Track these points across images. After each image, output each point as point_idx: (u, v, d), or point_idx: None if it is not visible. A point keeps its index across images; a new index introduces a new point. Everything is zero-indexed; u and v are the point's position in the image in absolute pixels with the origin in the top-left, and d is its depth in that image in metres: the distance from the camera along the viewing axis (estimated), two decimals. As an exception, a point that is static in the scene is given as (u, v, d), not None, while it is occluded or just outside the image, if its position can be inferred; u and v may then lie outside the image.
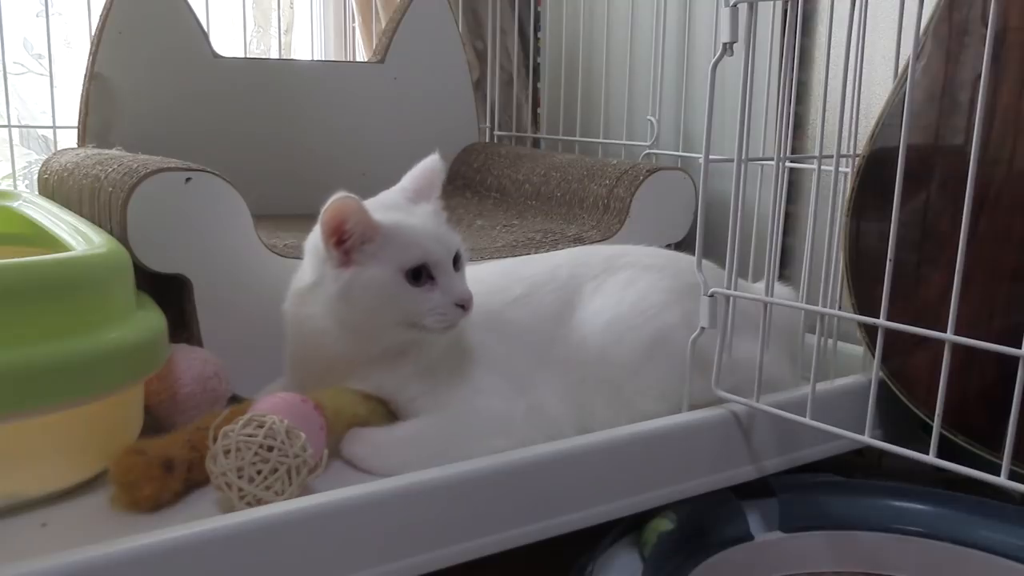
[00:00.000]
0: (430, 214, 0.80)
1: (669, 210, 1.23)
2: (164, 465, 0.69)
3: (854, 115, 0.91)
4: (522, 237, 1.17)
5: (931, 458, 0.70)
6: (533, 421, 0.79)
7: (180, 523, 0.60)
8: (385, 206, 0.80)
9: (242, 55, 1.48)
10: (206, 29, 1.31)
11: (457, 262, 0.78)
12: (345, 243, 0.75)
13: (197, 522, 0.60)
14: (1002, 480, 0.67)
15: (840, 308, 0.94)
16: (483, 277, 0.88)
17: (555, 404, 0.83)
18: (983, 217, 0.83)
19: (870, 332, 0.91)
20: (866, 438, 0.77)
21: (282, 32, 1.86)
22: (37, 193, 1.10)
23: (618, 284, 0.88)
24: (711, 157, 0.84)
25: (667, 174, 1.23)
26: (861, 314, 0.91)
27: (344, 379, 0.79)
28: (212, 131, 1.31)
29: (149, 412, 0.80)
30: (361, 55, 1.74)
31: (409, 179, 0.84)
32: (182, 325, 0.89)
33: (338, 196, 0.73)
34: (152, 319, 0.77)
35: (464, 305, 0.76)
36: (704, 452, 0.84)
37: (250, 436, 0.67)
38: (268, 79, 1.38)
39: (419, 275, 0.75)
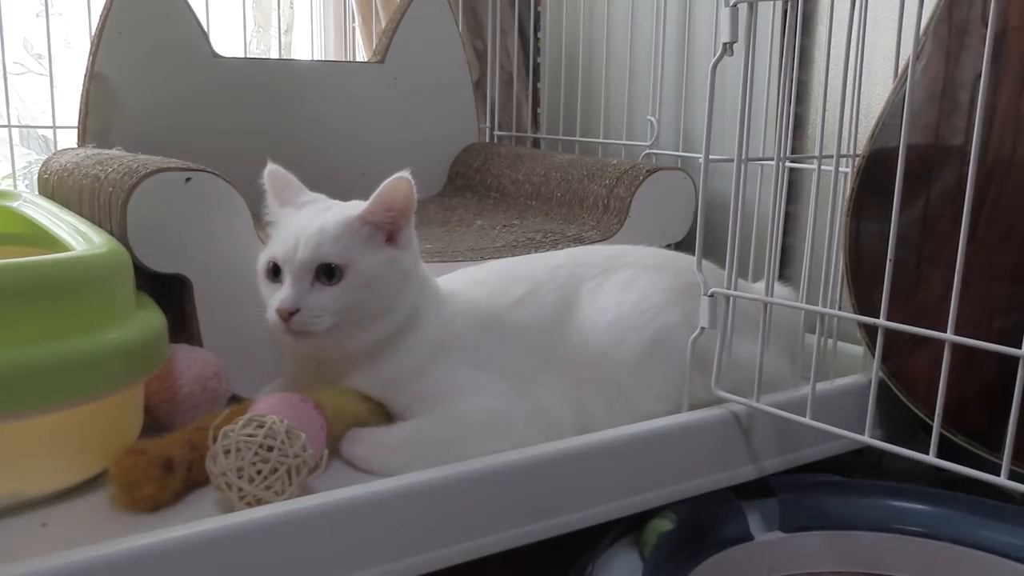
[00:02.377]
0: (325, 222, 0.76)
1: (669, 210, 1.23)
2: (164, 465, 0.69)
3: (854, 115, 0.91)
4: (522, 237, 1.17)
5: (931, 458, 0.70)
6: (534, 422, 0.79)
7: (180, 523, 0.60)
8: (321, 204, 0.81)
9: (242, 55, 1.48)
10: (206, 29, 1.31)
11: (332, 276, 0.75)
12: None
13: (197, 522, 0.60)
14: (1002, 480, 0.67)
15: (840, 308, 0.94)
16: (484, 278, 0.88)
17: (556, 405, 0.83)
18: (983, 217, 0.83)
19: (870, 332, 0.91)
20: (866, 438, 0.76)
21: (282, 32, 1.86)
22: (37, 193, 1.10)
23: (619, 284, 0.88)
24: (711, 157, 0.84)
25: (667, 174, 1.23)
26: (861, 314, 0.91)
27: (337, 380, 0.79)
28: (212, 131, 1.31)
29: (149, 412, 0.80)
30: (361, 55, 1.74)
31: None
32: (182, 325, 0.89)
33: (271, 166, 0.81)
34: (152, 319, 0.77)
35: (280, 315, 0.74)
36: (704, 452, 0.84)
37: (250, 436, 0.67)
38: (268, 79, 1.38)
39: (276, 272, 0.77)
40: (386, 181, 0.77)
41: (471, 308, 0.84)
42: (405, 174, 0.77)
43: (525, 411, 0.80)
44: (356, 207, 0.78)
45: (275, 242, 0.77)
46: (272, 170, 0.82)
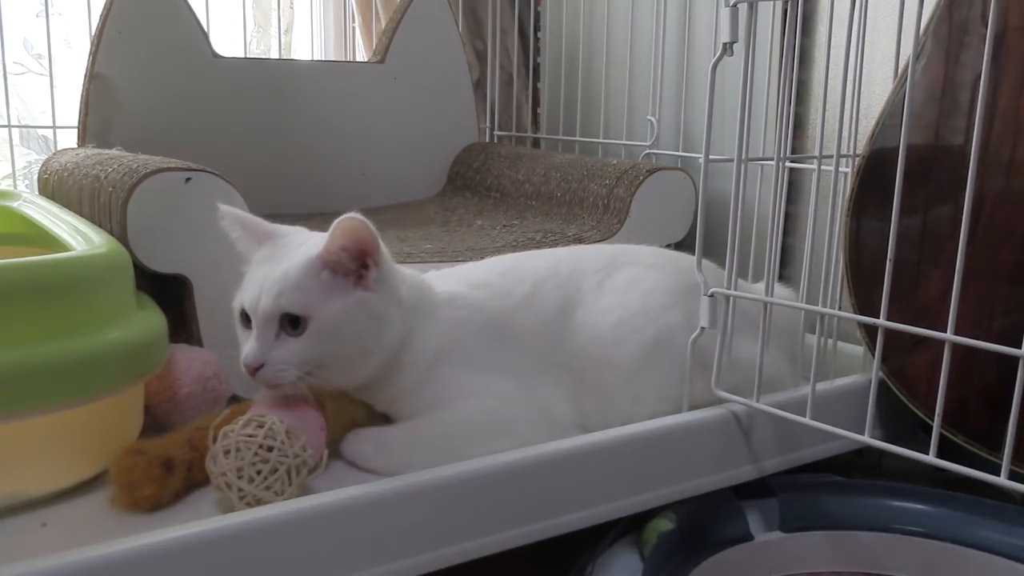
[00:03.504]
0: (288, 268, 0.72)
1: (669, 210, 1.23)
2: (164, 465, 0.69)
3: (854, 115, 0.91)
4: (522, 237, 1.17)
5: (931, 458, 0.70)
6: (535, 422, 0.79)
7: (180, 523, 0.60)
8: (292, 242, 0.76)
9: (242, 55, 1.48)
10: (206, 29, 1.31)
11: (297, 325, 0.71)
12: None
13: (197, 522, 0.60)
14: (1002, 480, 0.67)
15: (840, 308, 0.94)
16: (484, 279, 0.87)
17: (558, 405, 0.83)
18: (983, 217, 0.83)
19: (870, 332, 0.91)
20: (866, 438, 0.76)
21: (282, 32, 1.86)
22: (37, 193, 1.10)
23: (619, 285, 0.88)
24: (711, 157, 0.84)
25: (667, 174, 1.23)
26: (861, 314, 0.91)
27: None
28: (212, 131, 1.31)
29: (149, 412, 0.80)
30: (361, 55, 1.74)
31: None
32: (182, 325, 0.89)
33: (222, 207, 0.77)
34: (152, 319, 0.77)
35: (246, 368, 0.71)
36: (704, 452, 0.84)
37: (250, 436, 0.67)
38: (268, 79, 1.38)
39: (247, 318, 0.73)
40: (337, 220, 0.71)
41: (472, 313, 0.83)
42: (355, 214, 0.71)
43: (527, 411, 0.79)
44: (315, 245, 0.74)
45: (243, 288, 0.74)
46: (228, 212, 0.77)
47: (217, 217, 0.77)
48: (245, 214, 0.77)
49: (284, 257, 0.74)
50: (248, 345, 0.72)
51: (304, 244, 0.75)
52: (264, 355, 0.71)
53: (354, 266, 0.73)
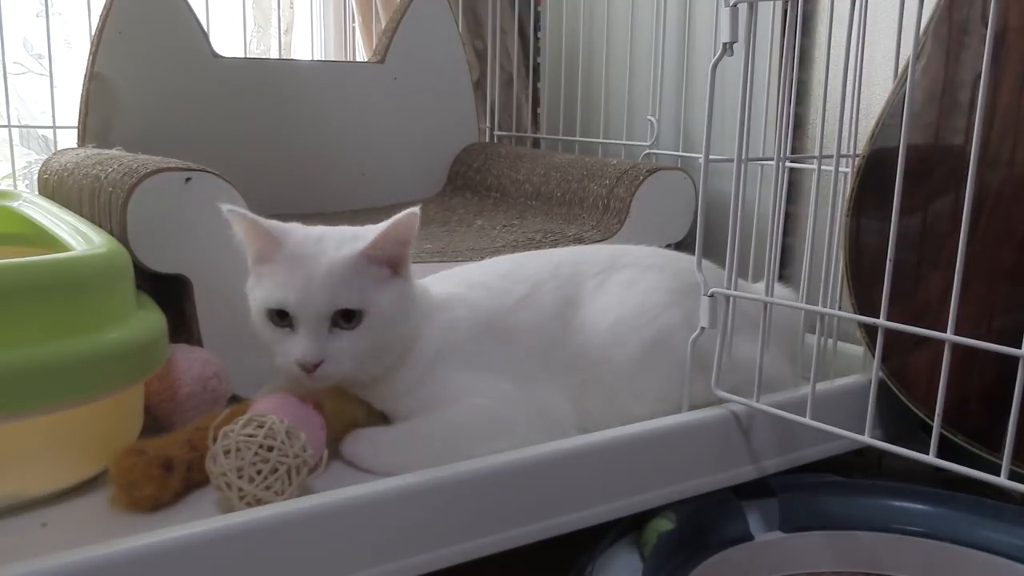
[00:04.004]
0: (335, 263, 0.73)
1: (669, 210, 1.23)
2: (164, 465, 0.69)
3: (854, 115, 0.91)
4: (522, 237, 1.17)
5: (931, 458, 0.70)
6: (535, 422, 0.79)
7: (180, 523, 0.60)
8: (318, 239, 0.75)
9: (242, 55, 1.48)
10: (206, 29, 1.31)
11: (351, 319, 0.73)
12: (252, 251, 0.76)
13: (197, 522, 0.60)
14: (1002, 480, 0.67)
15: (840, 308, 0.94)
16: (483, 279, 0.87)
17: (557, 405, 0.83)
18: (983, 217, 0.83)
19: (870, 332, 0.91)
20: (866, 438, 0.76)
21: (282, 32, 1.86)
22: (37, 193, 1.10)
23: (619, 285, 0.88)
24: (711, 157, 0.84)
25: (667, 174, 1.23)
26: (861, 314, 0.91)
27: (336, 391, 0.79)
28: (212, 131, 1.31)
29: (149, 412, 0.80)
30: (361, 55, 1.74)
31: (373, 233, 0.75)
32: (182, 325, 0.89)
33: (227, 207, 0.74)
34: (152, 319, 0.77)
35: (304, 367, 0.72)
36: (704, 452, 0.84)
37: (250, 436, 0.67)
38: (268, 79, 1.38)
39: (283, 316, 0.73)
40: (397, 216, 0.73)
41: (471, 313, 0.83)
42: (416, 209, 0.74)
43: (526, 412, 0.79)
44: (357, 239, 0.75)
45: (278, 287, 0.73)
46: (237, 215, 0.75)
47: (225, 218, 0.75)
48: (255, 216, 0.76)
49: (321, 253, 0.73)
50: (299, 343, 0.72)
51: (328, 239, 0.75)
52: (323, 352, 0.72)
53: (394, 257, 0.76)
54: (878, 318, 0.74)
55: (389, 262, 0.76)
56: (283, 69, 1.43)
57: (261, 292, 0.75)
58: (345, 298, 0.72)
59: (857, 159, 0.94)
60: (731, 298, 0.84)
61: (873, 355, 0.79)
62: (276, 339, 0.74)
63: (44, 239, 0.85)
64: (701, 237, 0.85)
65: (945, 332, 0.69)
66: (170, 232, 0.86)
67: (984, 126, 0.74)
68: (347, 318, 0.73)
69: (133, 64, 1.23)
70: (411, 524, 0.68)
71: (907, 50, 0.77)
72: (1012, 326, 0.78)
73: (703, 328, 0.83)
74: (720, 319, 0.83)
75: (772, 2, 1.07)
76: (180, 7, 1.27)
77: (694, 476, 0.83)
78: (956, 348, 0.69)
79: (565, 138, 1.56)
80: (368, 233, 0.76)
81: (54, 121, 1.32)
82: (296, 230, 0.77)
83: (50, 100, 1.32)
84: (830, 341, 0.96)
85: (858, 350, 0.99)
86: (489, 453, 0.72)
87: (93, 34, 1.22)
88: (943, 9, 0.88)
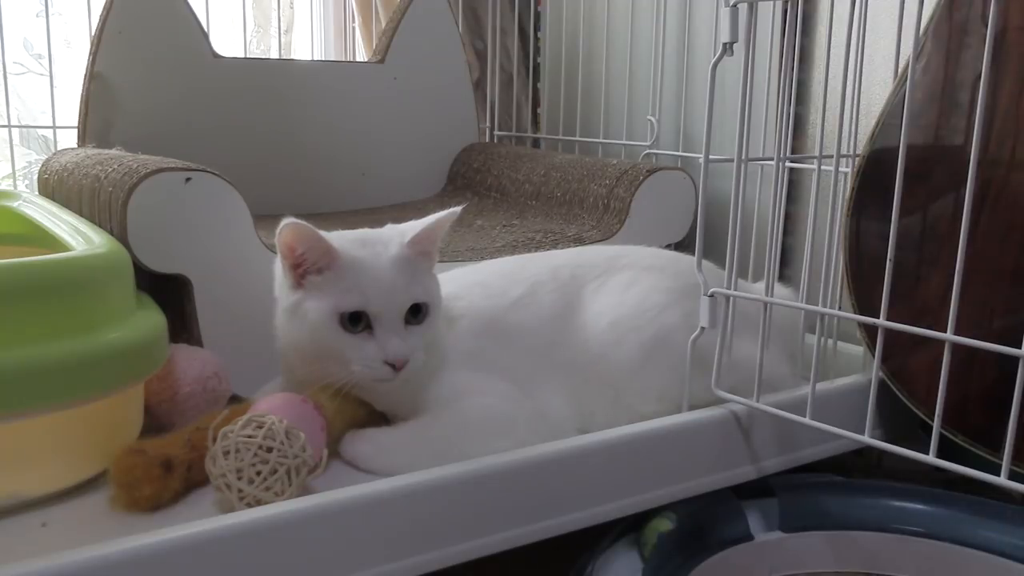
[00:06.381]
0: (397, 260, 0.75)
1: (669, 210, 1.23)
2: (164, 465, 0.68)
3: (854, 115, 0.91)
4: (522, 237, 1.17)
5: (931, 458, 0.70)
6: (535, 422, 0.79)
7: (180, 523, 0.60)
8: (362, 241, 0.77)
9: (242, 55, 1.48)
10: (206, 29, 1.31)
11: (418, 313, 0.75)
12: (300, 266, 0.75)
13: (197, 522, 0.60)
14: (1002, 480, 0.67)
15: (840, 308, 0.94)
16: (484, 280, 0.88)
17: (557, 405, 0.83)
18: (983, 217, 0.83)
19: (870, 332, 0.91)
20: (866, 438, 0.76)
21: (282, 32, 1.86)
22: (37, 193, 1.10)
23: (619, 285, 0.88)
24: (711, 157, 0.84)
25: (667, 174, 1.23)
26: (861, 314, 0.91)
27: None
28: (212, 131, 1.31)
29: (149, 412, 0.80)
30: (361, 55, 1.74)
31: (415, 227, 0.78)
32: (182, 325, 0.89)
33: (289, 220, 0.72)
34: (152, 319, 0.77)
35: (395, 365, 0.73)
36: (704, 452, 0.84)
37: (249, 437, 0.67)
38: (268, 79, 1.38)
39: (357, 320, 0.73)
40: (440, 213, 0.77)
41: (470, 313, 0.83)
42: (457, 209, 0.78)
43: (526, 412, 0.79)
44: (400, 235, 0.77)
45: (351, 290, 0.73)
46: (299, 227, 0.72)
47: (278, 232, 0.73)
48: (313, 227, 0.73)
49: (378, 254, 0.75)
50: (388, 343, 0.73)
51: (374, 239, 0.77)
52: (411, 348, 0.74)
53: (430, 253, 0.79)
54: (878, 318, 0.74)
55: (428, 256, 0.79)
56: (283, 69, 1.43)
57: (328, 300, 0.73)
58: (416, 291, 0.75)
59: (857, 159, 0.94)
60: (731, 298, 0.84)
61: (873, 355, 0.79)
62: (351, 344, 0.73)
63: (44, 239, 0.86)
64: (701, 237, 0.85)
65: (945, 332, 0.69)
66: (170, 232, 0.86)
67: (984, 126, 0.74)
68: (415, 313, 0.75)
69: (133, 64, 1.23)
70: (411, 524, 0.68)
71: (907, 50, 0.77)
72: (1012, 326, 0.79)
73: (703, 328, 0.83)
74: (720, 319, 0.83)
75: (772, 2, 1.07)
76: (180, 7, 1.27)
77: (694, 476, 0.83)
78: (956, 348, 0.69)
79: (565, 138, 1.56)
80: (408, 229, 0.78)
81: (54, 121, 1.32)
82: (333, 236, 0.77)
83: (50, 100, 1.32)
84: (830, 341, 0.96)
85: (858, 350, 0.99)
86: (489, 453, 0.72)
87: (93, 34, 1.22)
88: (943, 9, 0.88)
